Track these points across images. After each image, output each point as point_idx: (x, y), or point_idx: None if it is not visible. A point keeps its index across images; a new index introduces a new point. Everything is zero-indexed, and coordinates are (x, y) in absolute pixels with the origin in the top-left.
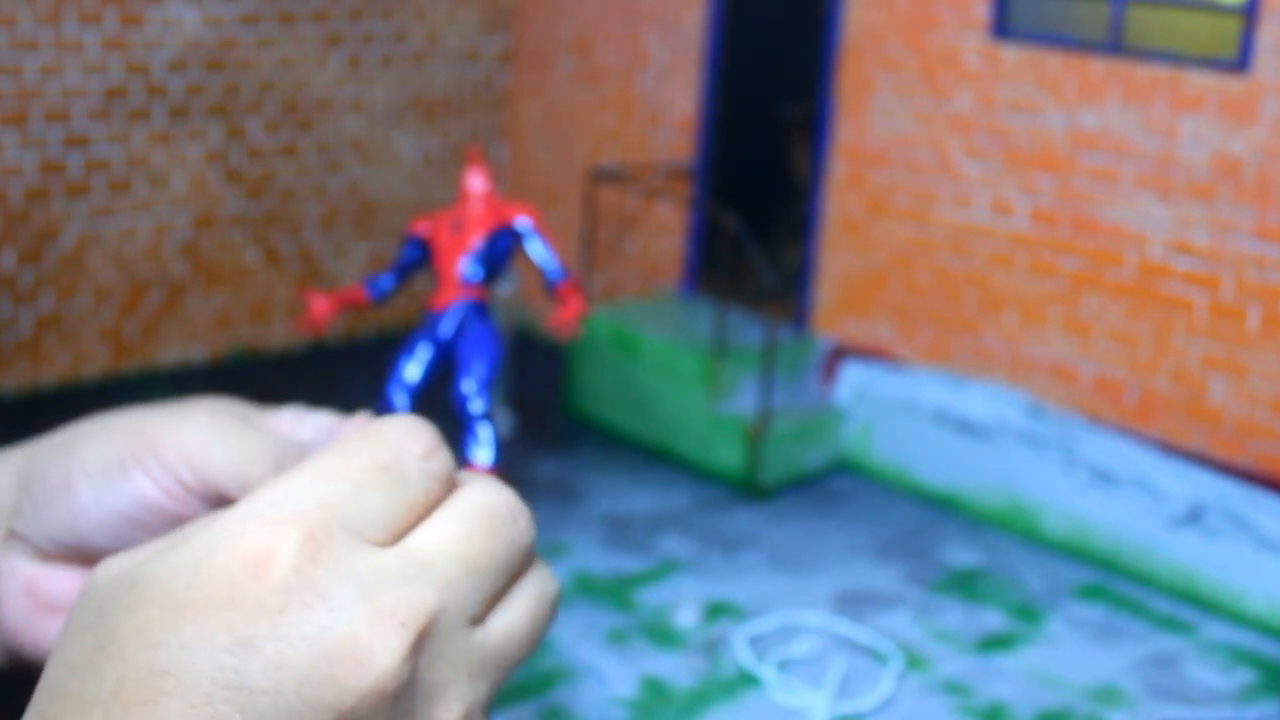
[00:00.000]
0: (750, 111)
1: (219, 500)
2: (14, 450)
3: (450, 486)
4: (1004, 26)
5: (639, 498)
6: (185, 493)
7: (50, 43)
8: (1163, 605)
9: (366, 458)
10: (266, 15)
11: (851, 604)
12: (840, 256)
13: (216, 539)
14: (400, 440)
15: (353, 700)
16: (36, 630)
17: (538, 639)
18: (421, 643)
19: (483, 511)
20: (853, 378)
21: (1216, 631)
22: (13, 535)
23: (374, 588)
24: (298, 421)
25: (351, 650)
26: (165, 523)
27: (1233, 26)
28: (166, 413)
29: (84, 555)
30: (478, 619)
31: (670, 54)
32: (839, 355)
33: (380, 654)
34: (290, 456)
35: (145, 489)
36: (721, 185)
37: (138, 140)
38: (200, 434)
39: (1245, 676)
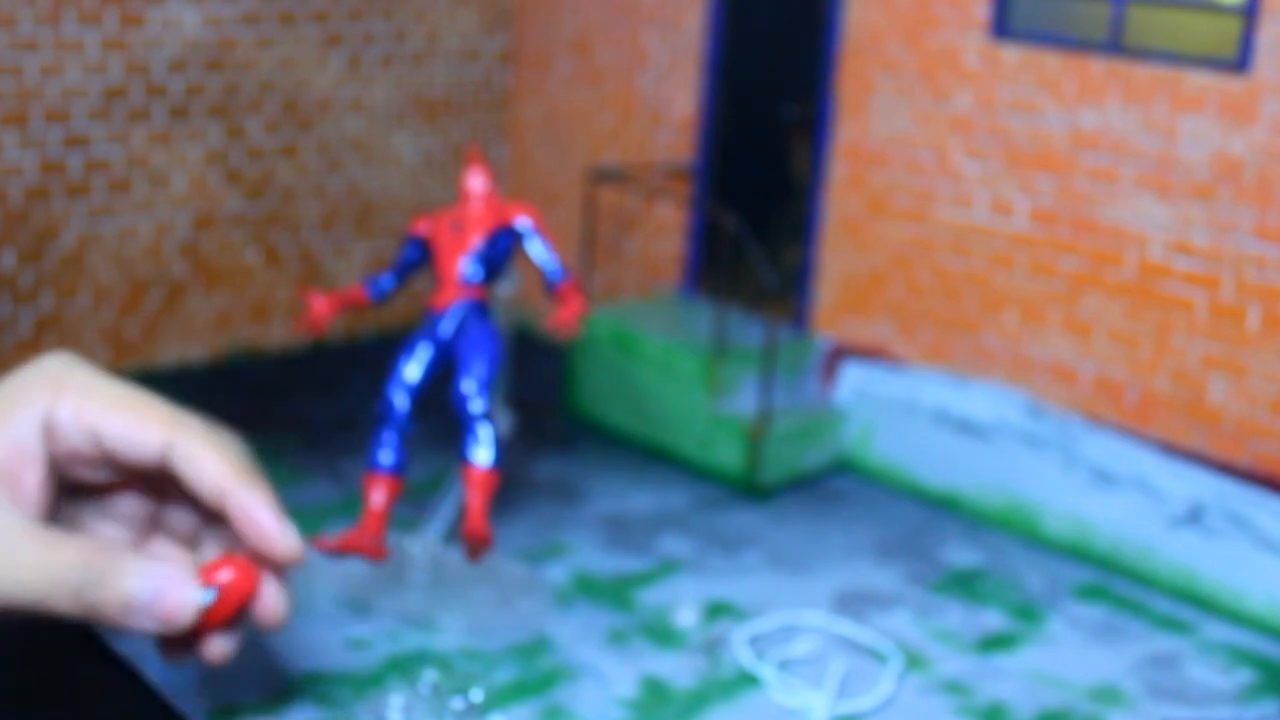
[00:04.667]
0: (750, 111)
1: None
2: None
3: None
4: (1004, 26)
5: (639, 498)
6: None
7: (50, 43)
8: (1163, 605)
9: None
10: (266, 15)
11: (851, 604)
12: (840, 256)
13: None
14: None
15: None
16: None
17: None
18: None
19: None
20: (853, 378)
21: (1216, 631)
22: None
23: None
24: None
25: None
26: None
27: (1233, 26)
28: None
29: None
30: None
31: (670, 54)
32: (839, 355)
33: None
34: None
35: None
36: (721, 185)
37: (138, 140)
38: None
39: (1245, 676)
